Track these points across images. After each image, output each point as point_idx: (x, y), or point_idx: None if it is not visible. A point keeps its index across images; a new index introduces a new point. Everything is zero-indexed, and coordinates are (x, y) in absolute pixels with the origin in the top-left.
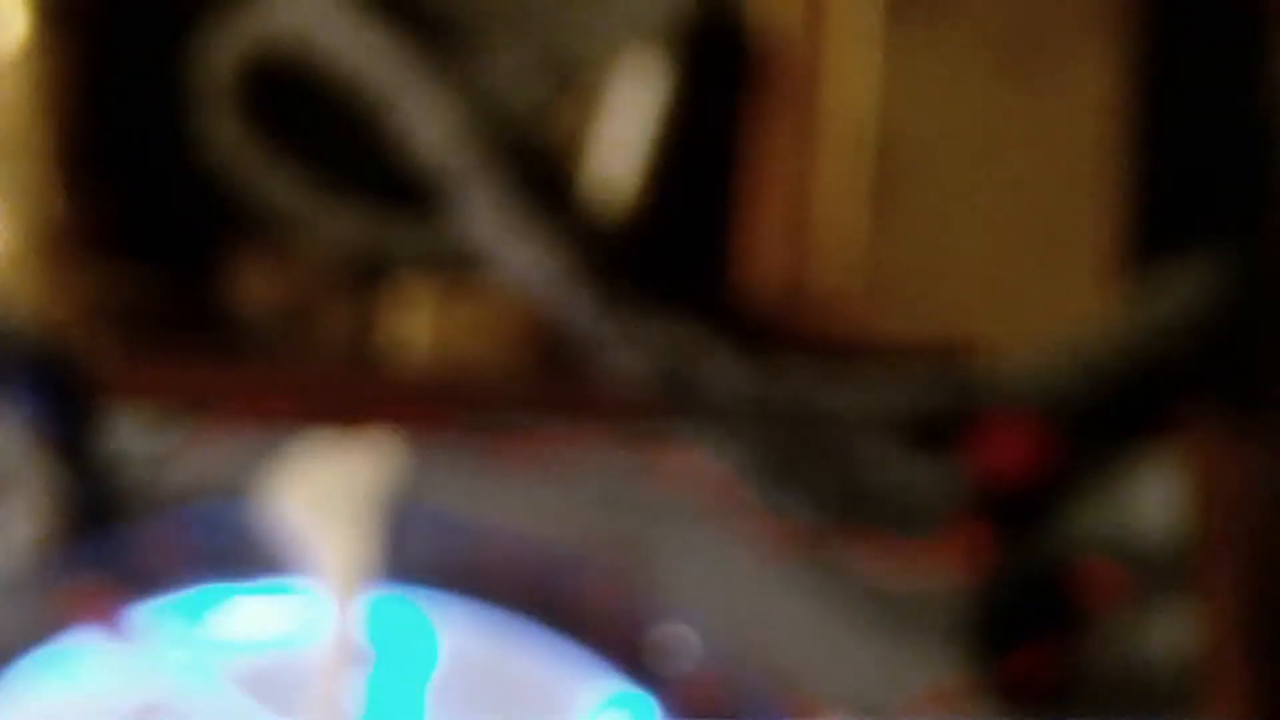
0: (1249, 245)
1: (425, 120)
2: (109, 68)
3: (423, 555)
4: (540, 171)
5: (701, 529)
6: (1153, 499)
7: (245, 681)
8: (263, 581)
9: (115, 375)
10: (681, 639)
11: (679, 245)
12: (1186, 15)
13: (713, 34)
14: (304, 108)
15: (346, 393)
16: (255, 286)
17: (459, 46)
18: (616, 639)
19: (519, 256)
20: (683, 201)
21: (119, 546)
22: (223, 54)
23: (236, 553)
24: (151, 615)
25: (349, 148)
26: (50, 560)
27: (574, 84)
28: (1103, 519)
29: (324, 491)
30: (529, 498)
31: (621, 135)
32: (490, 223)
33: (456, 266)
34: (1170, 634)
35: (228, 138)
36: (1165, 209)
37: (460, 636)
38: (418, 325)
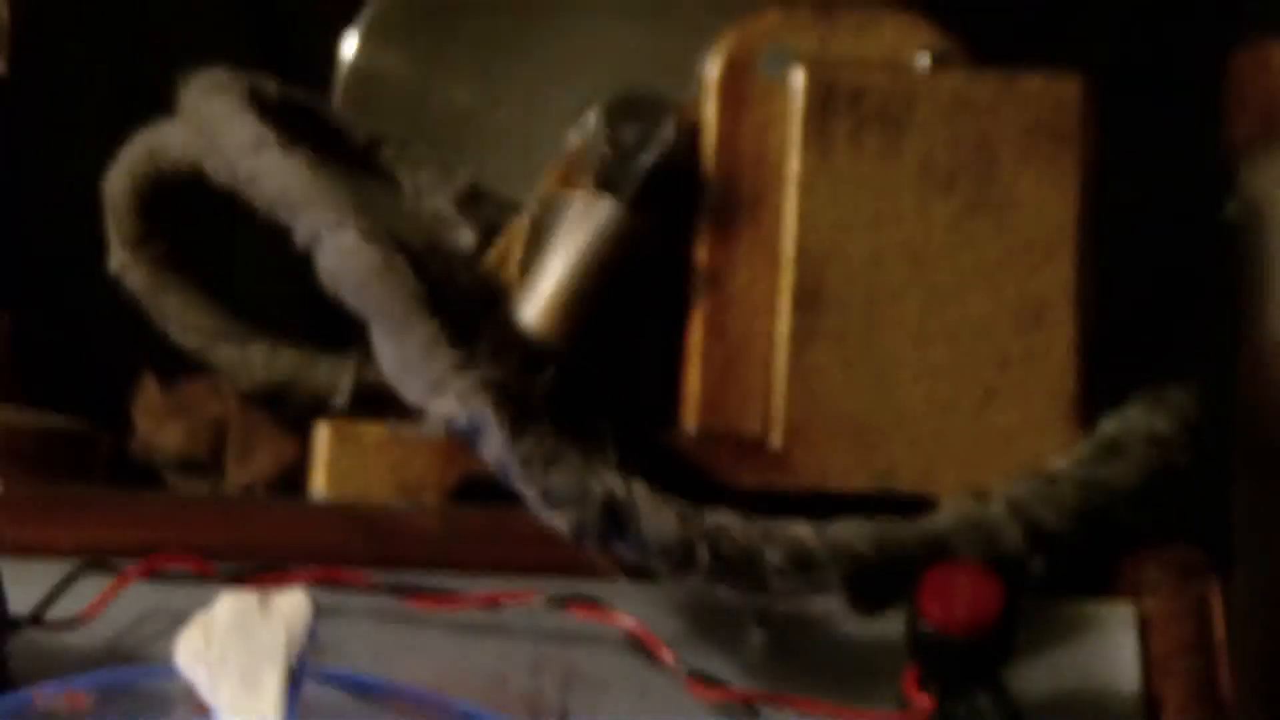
0: (1207, 387)
1: (343, 253)
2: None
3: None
4: (463, 309)
5: (627, 692)
6: (1105, 661)
7: None
8: None
9: (16, 529)
10: None
11: (602, 385)
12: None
13: (648, 173)
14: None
15: (255, 542)
16: (163, 434)
17: (383, 178)
18: None
19: (438, 400)
20: (608, 341)
21: (23, 714)
22: (120, 175)
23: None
24: None
25: (265, 284)
26: None
27: (501, 221)
28: (1054, 681)
29: (231, 654)
30: (447, 659)
31: (548, 274)
32: (408, 363)
33: (373, 406)
34: None
35: (127, 262)
36: (1119, 343)
37: None
38: (332, 466)
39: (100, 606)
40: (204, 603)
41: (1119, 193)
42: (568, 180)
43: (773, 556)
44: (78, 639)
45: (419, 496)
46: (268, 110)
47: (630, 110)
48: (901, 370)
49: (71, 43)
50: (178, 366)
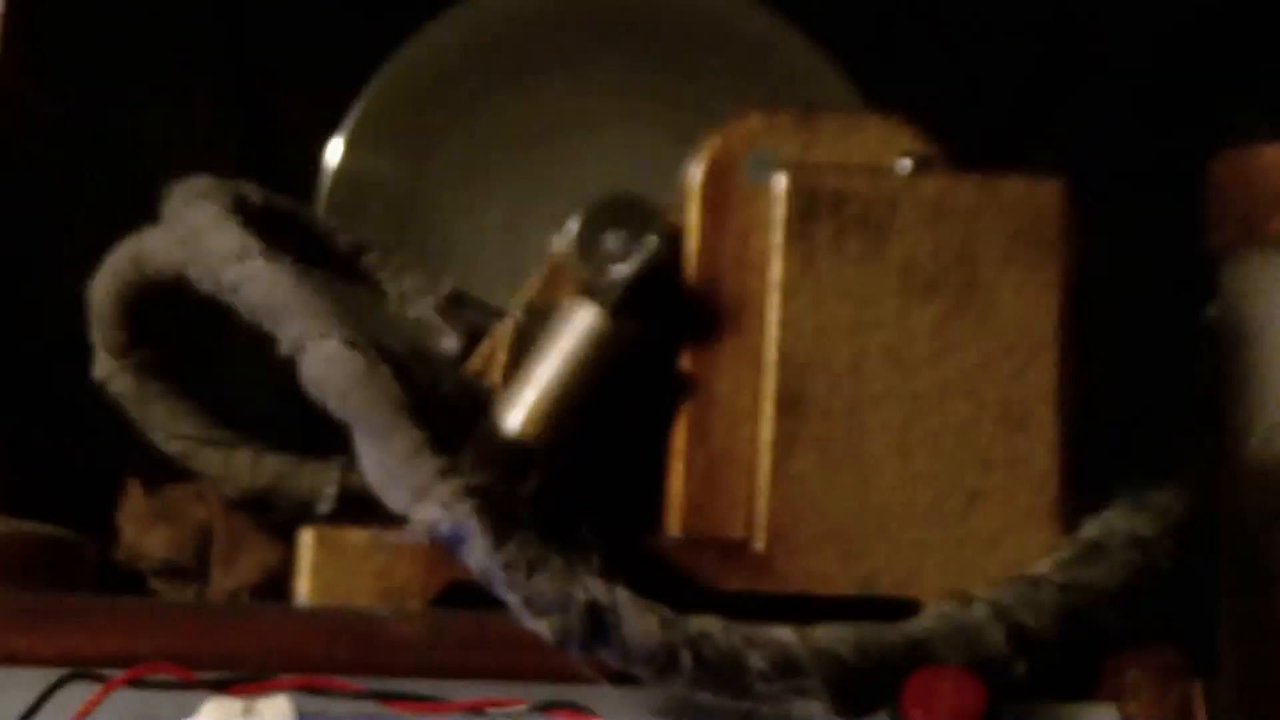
0: (1189, 489)
1: (326, 361)
2: None
3: None
4: (447, 416)
5: None
6: None
7: None
8: None
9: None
10: None
11: (586, 491)
12: (1121, 239)
13: (631, 279)
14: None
15: (239, 649)
16: (148, 540)
17: (367, 284)
18: None
19: (422, 507)
20: (592, 447)
21: None
22: (105, 282)
23: None
24: None
25: (251, 389)
26: None
27: (485, 327)
28: None
29: None
30: None
31: (532, 380)
32: (391, 471)
33: (357, 512)
34: None
35: (112, 369)
36: (1100, 446)
37: None
38: (316, 573)
39: (84, 715)
40: (188, 711)
41: (1100, 296)
42: (551, 286)
43: (756, 662)
44: None
45: (403, 603)
46: (251, 217)
47: (613, 215)
48: (884, 475)
49: (57, 148)
50: (163, 472)
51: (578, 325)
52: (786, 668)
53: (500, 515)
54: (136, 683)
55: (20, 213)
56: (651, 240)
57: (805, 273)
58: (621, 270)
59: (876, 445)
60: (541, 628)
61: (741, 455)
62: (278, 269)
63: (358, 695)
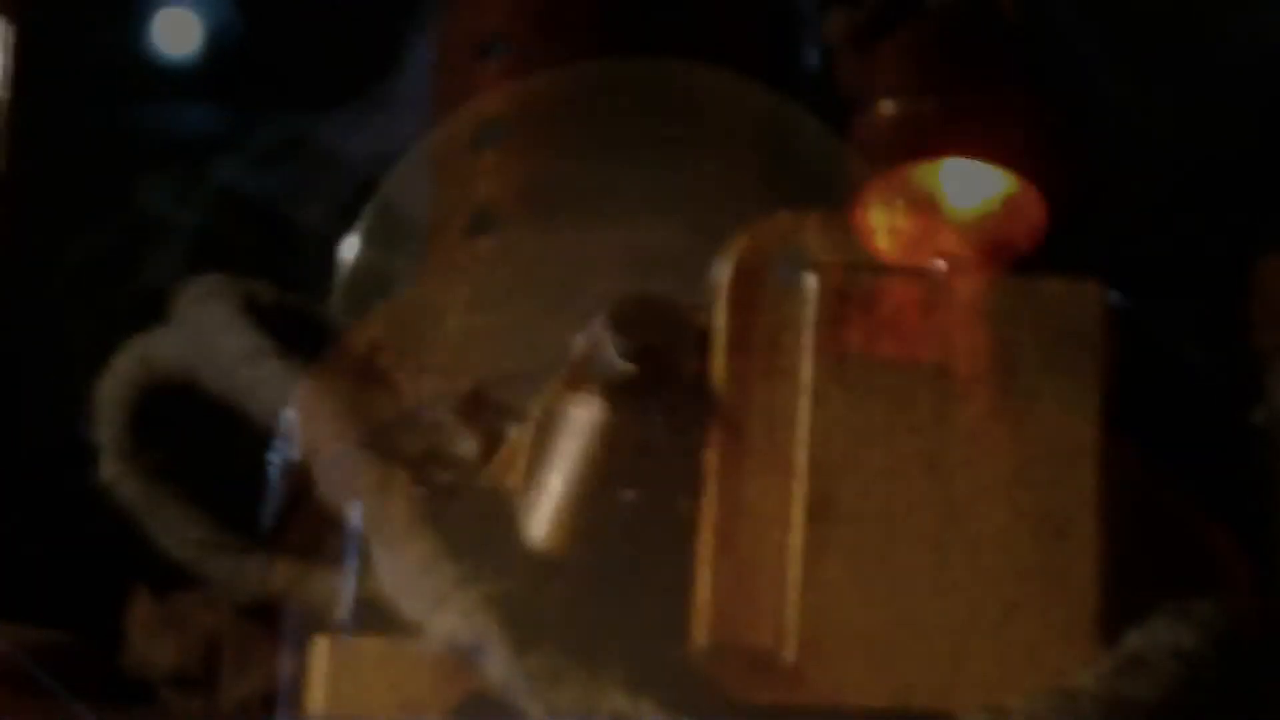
0: (1235, 610)
1: (340, 466)
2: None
3: None
4: (465, 521)
5: None
6: None
7: None
8: None
9: None
10: None
11: (610, 599)
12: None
13: (652, 382)
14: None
15: None
16: (156, 649)
17: (383, 384)
18: None
19: (440, 616)
20: (615, 553)
21: None
22: (112, 384)
23: None
24: None
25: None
26: None
27: (504, 429)
28: None
29: None
30: None
31: (553, 483)
32: (408, 579)
33: (370, 620)
34: None
35: (119, 472)
36: (1144, 553)
37: None
38: (330, 683)
39: None
40: None
41: (1144, 399)
42: (572, 386)
43: None
44: None
45: (420, 715)
46: (263, 317)
47: (637, 315)
48: (918, 584)
49: (66, 238)
50: (171, 578)
51: (599, 426)
52: None
53: (522, 624)
54: None
55: (28, 306)
56: (677, 339)
57: (836, 375)
58: (646, 369)
59: (910, 553)
60: None
61: (770, 563)
62: (291, 371)
63: None
